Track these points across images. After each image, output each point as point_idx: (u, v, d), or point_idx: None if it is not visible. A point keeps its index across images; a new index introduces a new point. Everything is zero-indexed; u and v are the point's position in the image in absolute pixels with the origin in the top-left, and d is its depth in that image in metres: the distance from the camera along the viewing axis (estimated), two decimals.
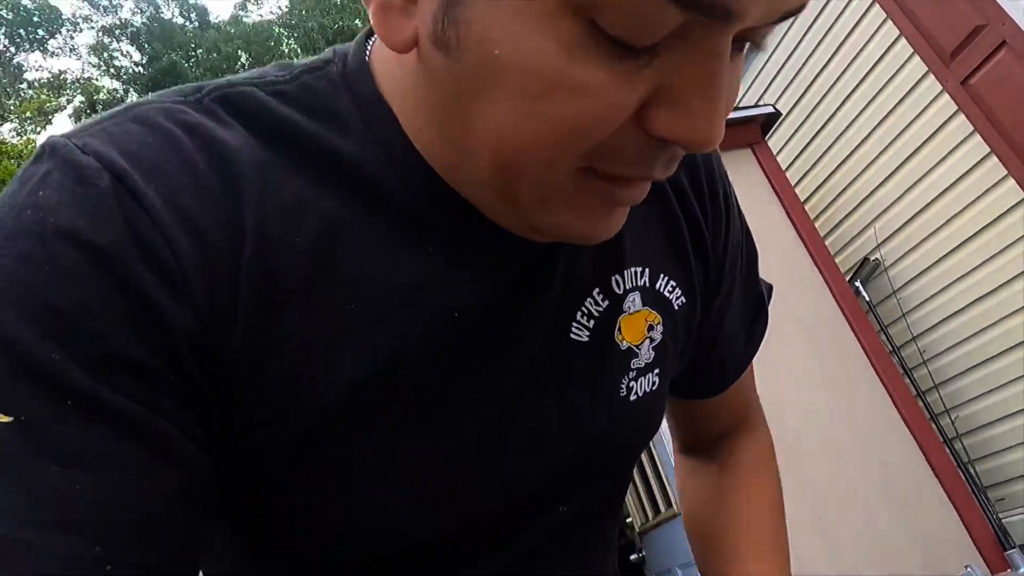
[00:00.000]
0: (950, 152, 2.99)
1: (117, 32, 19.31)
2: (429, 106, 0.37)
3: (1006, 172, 2.78)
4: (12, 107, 17.13)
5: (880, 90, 3.23)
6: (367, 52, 0.41)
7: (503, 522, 0.46)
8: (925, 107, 3.06)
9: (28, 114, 16.71)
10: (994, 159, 2.82)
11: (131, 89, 19.88)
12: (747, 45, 0.33)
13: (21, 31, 18.18)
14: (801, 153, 3.75)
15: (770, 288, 0.65)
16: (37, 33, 18.30)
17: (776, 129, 3.74)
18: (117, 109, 0.37)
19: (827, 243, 3.35)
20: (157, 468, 0.31)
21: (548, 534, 0.48)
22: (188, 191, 0.34)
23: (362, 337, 0.37)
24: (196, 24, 20.90)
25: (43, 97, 17.09)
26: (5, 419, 0.29)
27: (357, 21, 19.53)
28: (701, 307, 0.55)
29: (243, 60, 20.15)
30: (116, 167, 0.32)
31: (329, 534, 0.40)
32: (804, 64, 3.60)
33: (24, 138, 15.87)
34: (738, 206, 0.59)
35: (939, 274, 3.13)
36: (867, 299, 3.26)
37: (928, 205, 3.13)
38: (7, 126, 16.88)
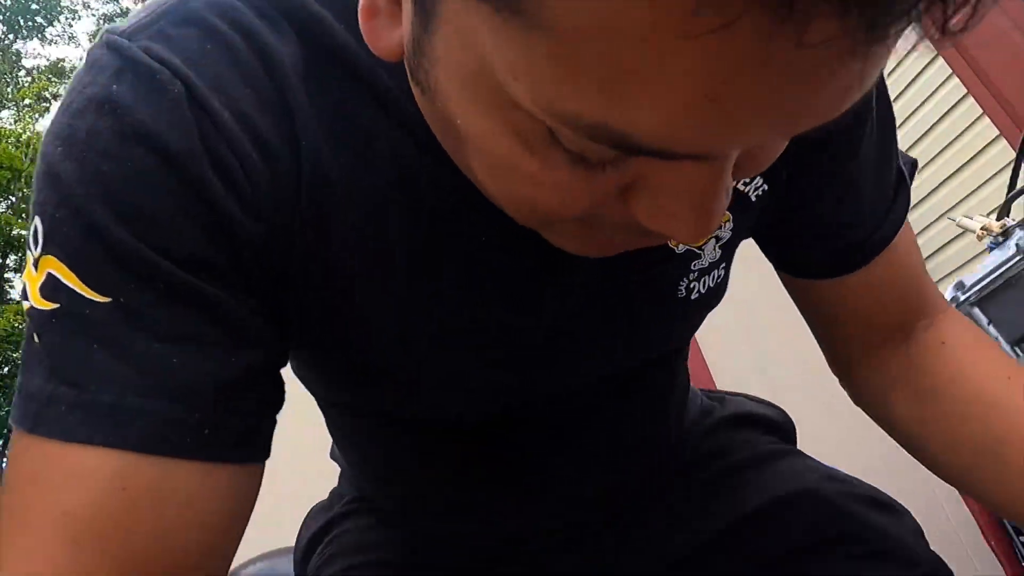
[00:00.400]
0: (916, 77, 3.10)
1: (116, 20, 19.36)
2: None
3: (981, 111, 2.88)
4: (10, 94, 17.16)
5: None
6: None
7: (561, 400, 0.49)
8: (906, 52, 3.15)
9: (27, 100, 16.73)
10: (971, 100, 2.92)
11: None
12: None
13: (19, 18, 18.22)
14: None
15: (913, 163, 0.54)
16: (35, 20, 18.34)
17: None
18: (167, 2, 0.35)
19: None
20: (238, 346, 0.34)
21: (614, 395, 0.52)
22: (251, 103, 0.34)
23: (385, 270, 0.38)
24: None
25: (43, 82, 17.10)
26: (103, 299, 0.31)
27: None
28: (800, 187, 0.48)
29: None
30: (183, 76, 0.33)
31: (392, 410, 0.47)
32: None
33: (22, 124, 15.89)
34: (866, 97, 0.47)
35: (918, 216, 3.23)
36: None
37: (908, 149, 3.23)
38: (5, 112, 16.92)
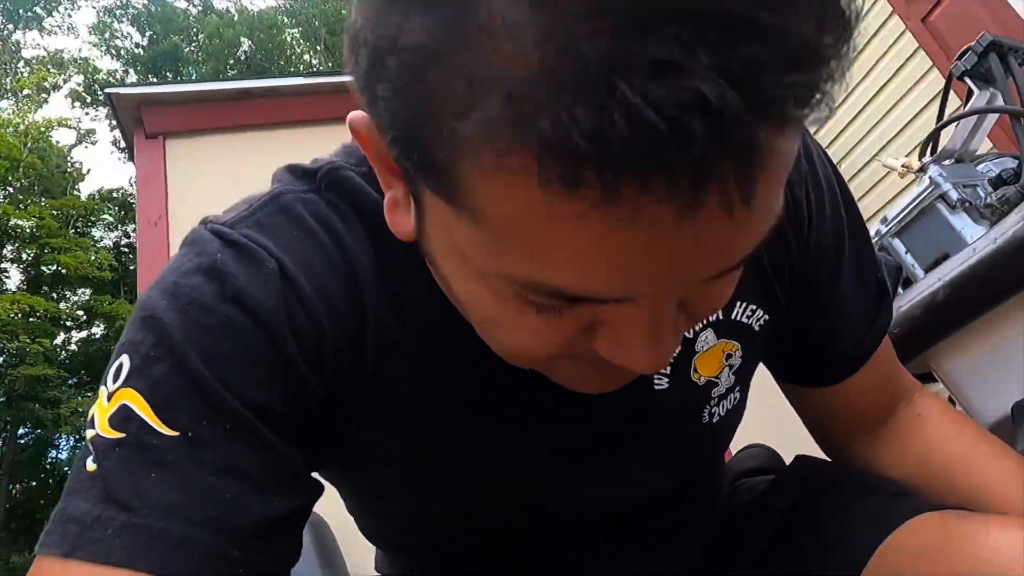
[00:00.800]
0: (909, 90, 3.16)
1: (118, 12, 19.39)
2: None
3: (917, 45, 2.95)
4: (9, 84, 17.16)
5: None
6: None
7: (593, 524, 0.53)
8: (888, 47, 3.22)
9: (26, 91, 16.74)
10: (908, 36, 2.99)
11: (131, 70, 19.95)
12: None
13: (19, 8, 18.23)
14: None
15: (898, 267, 0.62)
16: (35, 10, 18.35)
17: None
18: (263, 198, 0.43)
19: None
20: (285, 491, 0.38)
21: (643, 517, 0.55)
22: (330, 281, 0.41)
23: (433, 415, 0.45)
24: (199, 8, 21.01)
25: (42, 72, 17.11)
26: (172, 432, 0.35)
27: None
28: (795, 313, 0.54)
29: (245, 47, 20.26)
30: (277, 256, 0.40)
31: (412, 528, 0.53)
32: None
33: (21, 114, 15.89)
34: (835, 202, 0.53)
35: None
36: None
37: (887, 144, 3.29)
38: (4, 103, 16.93)
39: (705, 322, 0.49)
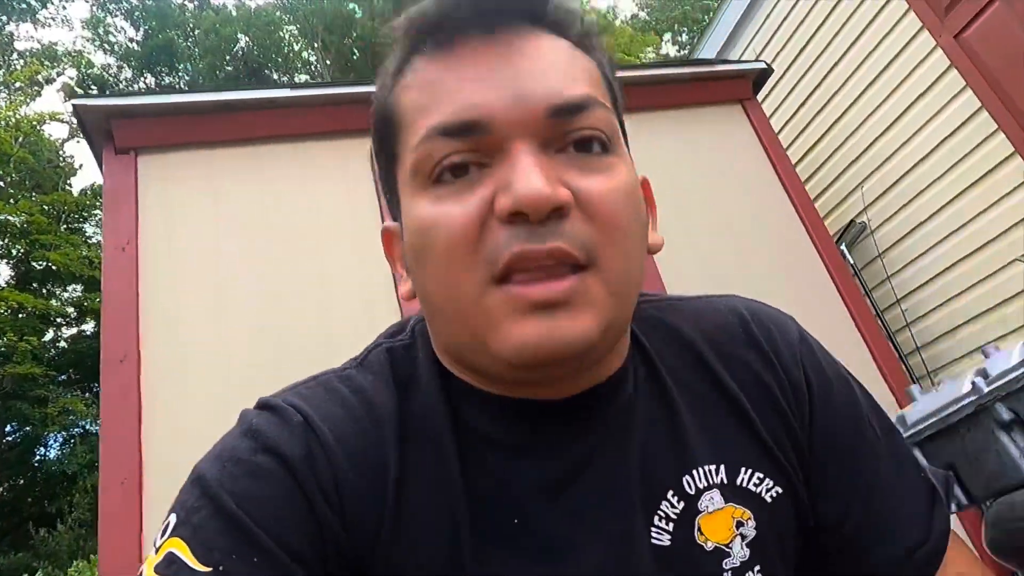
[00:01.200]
0: (941, 109, 2.96)
1: (111, 7, 19.11)
2: (436, 334, 0.53)
3: (996, 127, 2.75)
4: (1, 77, 16.88)
5: (875, 48, 3.20)
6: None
7: None
8: (919, 63, 3.02)
9: (18, 84, 16.46)
10: (984, 114, 2.79)
11: (125, 66, 19.67)
12: (584, 152, 0.47)
13: (13, 0, 17.94)
14: (796, 113, 3.71)
15: (947, 477, 0.60)
16: (29, 2, 18.07)
17: (774, 87, 3.70)
18: (311, 377, 0.54)
19: (816, 206, 3.30)
20: None
21: None
22: (351, 433, 0.48)
23: (450, 539, 0.48)
24: (195, 4, 20.72)
25: (35, 66, 16.83)
26: (206, 569, 0.41)
27: (352, 5, 19.43)
28: (822, 497, 0.55)
29: (242, 44, 20.01)
30: (304, 412, 0.48)
31: None
32: (801, 22, 3.56)
33: (12, 107, 15.62)
34: (849, 395, 0.59)
35: (925, 234, 3.10)
36: (851, 263, 3.23)
37: (916, 164, 3.10)
38: None
39: (708, 483, 0.51)
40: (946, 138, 2.95)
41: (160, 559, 0.42)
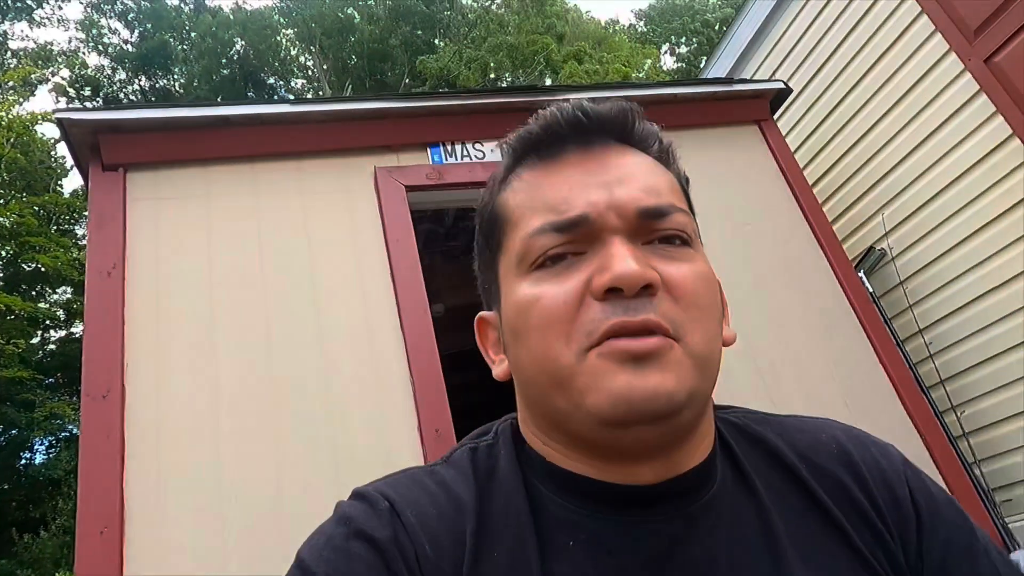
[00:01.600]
0: (969, 135, 2.85)
1: (106, 8, 18.91)
2: (525, 405, 0.58)
3: None
4: None
5: (897, 69, 3.09)
6: (516, 424, 0.61)
7: None
8: (944, 87, 2.91)
9: (11, 83, 16.24)
10: (1016, 141, 2.67)
11: (119, 67, 19.49)
12: (668, 245, 0.54)
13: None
14: (812, 133, 3.60)
15: None
16: (24, 1, 17.86)
17: (788, 107, 3.58)
18: (400, 471, 0.59)
19: (835, 229, 3.18)
20: None
21: None
22: (432, 517, 0.53)
23: None
24: (191, 6, 20.55)
25: (28, 67, 16.61)
26: None
27: (351, 10, 19.31)
28: None
29: (238, 47, 19.85)
30: (391, 499, 0.54)
31: None
32: (819, 40, 3.45)
33: (5, 107, 15.41)
34: (958, 515, 0.58)
35: (949, 264, 2.98)
36: (871, 290, 3.11)
37: (942, 191, 2.98)
38: None
39: None
40: (974, 165, 2.84)
41: None
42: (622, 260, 0.49)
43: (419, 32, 19.52)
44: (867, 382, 2.65)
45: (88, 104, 17.33)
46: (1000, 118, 2.71)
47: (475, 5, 20.42)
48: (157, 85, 19.01)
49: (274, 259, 2.28)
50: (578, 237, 0.52)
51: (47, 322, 15.05)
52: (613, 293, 0.49)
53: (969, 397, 2.93)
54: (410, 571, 0.49)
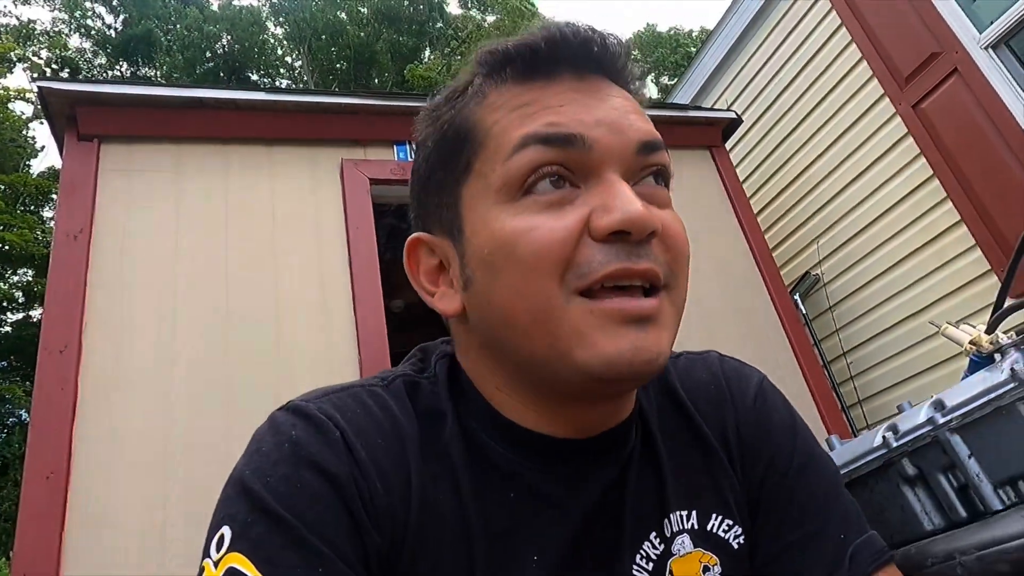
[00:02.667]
0: (896, 173, 3.09)
1: None
2: (480, 345, 0.54)
3: (945, 195, 2.88)
4: None
5: (839, 109, 3.33)
6: (452, 351, 0.59)
7: None
8: (878, 128, 3.16)
9: None
10: (936, 182, 2.92)
11: (100, 51, 19.30)
12: (656, 185, 0.52)
13: None
14: (763, 162, 3.83)
15: (880, 549, 0.57)
16: None
17: (744, 136, 3.82)
18: (340, 387, 0.55)
19: (774, 255, 3.40)
20: None
21: None
22: (381, 450, 0.50)
23: (467, 572, 0.50)
24: None
25: (8, 44, 16.38)
26: None
27: (342, 14, 19.44)
28: (763, 535, 0.57)
29: (224, 42, 19.81)
30: (341, 428, 0.50)
31: None
32: (774, 76, 3.69)
33: None
34: (782, 446, 0.61)
35: (873, 292, 3.21)
36: (804, 313, 3.32)
37: (870, 224, 3.21)
38: None
39: (679, 528, 0.55)
40: (898, 202, 3.08)
41: (222, 573, 0.44)
42: (631, 202, 0.46)
43: (403, 39, 19.72)
44: (795, 402, 2.83)
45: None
46: (923, 159, 2.96)
47: (467, 18, 20.72)
48: (138, 73, 18.88)
49: (239, 236, 2.39)
50: (575, 163, 0.48)
51: (4, 303, 14.72)
52: (617, 236, 0.46)
53: (881, 417, 3.15)
54: (366, 513, 0.47)
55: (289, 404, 0.52)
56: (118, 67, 19.11)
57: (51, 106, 2.29)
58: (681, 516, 0.55)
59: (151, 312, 2.18)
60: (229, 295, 2.29)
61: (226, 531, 0.45)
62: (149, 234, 2.29)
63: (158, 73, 18.84)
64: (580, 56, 0.51)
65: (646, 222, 0.46)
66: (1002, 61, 2.74)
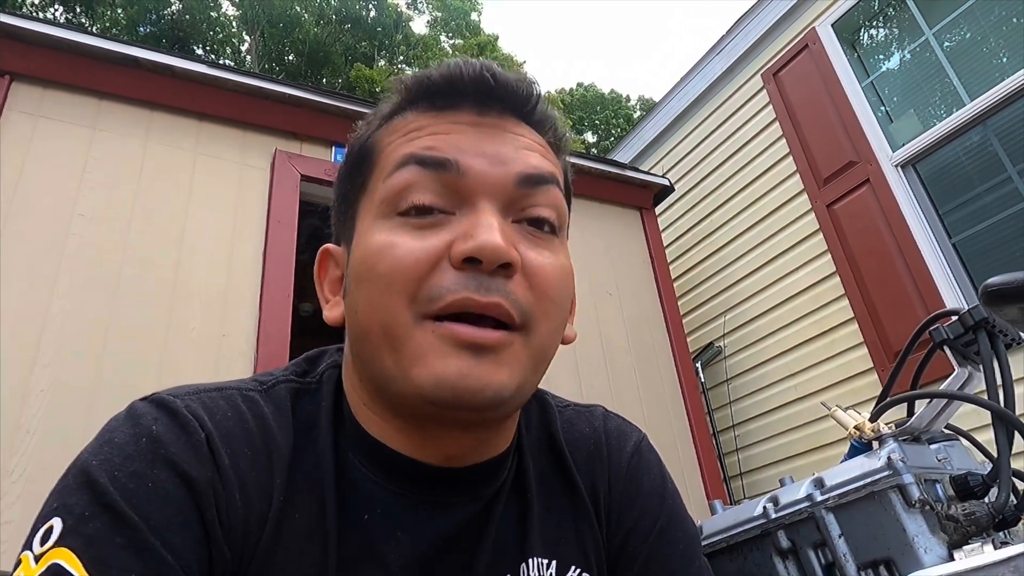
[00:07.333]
0: (803, 264, 3.30)
1: None
2: (352, 358, 0.54)
3: (843, 292, 3.09)
4: None
5: (762, 196, 3.54)
6: (340, 362, 0.59)
7: None
8: (793, 220, 3.37)
9: None
10: (836, 279, 3.13)
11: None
12: (536, 228, 0.52)
13: None
14: (685, 234, 4.00)
15: None
16: None
17: (675, 203, 3.98)
18: (214, 387, 0.53)
19: (684, 321, 3.53)
20: None
21: None
22: (246, 459, 0.49)
23: None
24: None
25: None
26: None
27: (302, 9, 19.13)
28: None
29: (173, 9, 19.03)
30: (208, 430, 0.48)
31: None
32: (707, 156, 3.89)
33: None
34: (668, 514, 0.62)
35: (768, 371, 3.37)
36: (703, 380, 3.45)
37: (774, 307, 3.40)
38: None
39: (540, 574, 0.55)
40: (801, 291, 3.28)
41: (42, 570, 0.40)
42: (489, 230, 0.46)
43: (362, 45, 19.59)
44: (682, 467, 2.92)
45: None
46: (829, 256, 3.17)
47: (431, 38, 20.83)
48: (73, 20, 17.78)
49: (148, 208, 2.25)
50: (448, 189, 0.49)
51: None
52: (470, 264, 0.46)
53: (759, 491, 3.29)
54: (220, 524, 0.45)
55: (153, 396, 0.50)
56: (52, 9, 17.94)
57: None
58: (541, 563, 0.55)
59: (29, 268, 2.00)
60: (124, 266, 2.14)
61: (56, 523, 0.42)
62: (47, 187, 2.11)
63: (97, 27, 17.80)
64: (480, 92, 0.52)
65: (498, 253, 0.46)
66: (908, 180, 3.00)
